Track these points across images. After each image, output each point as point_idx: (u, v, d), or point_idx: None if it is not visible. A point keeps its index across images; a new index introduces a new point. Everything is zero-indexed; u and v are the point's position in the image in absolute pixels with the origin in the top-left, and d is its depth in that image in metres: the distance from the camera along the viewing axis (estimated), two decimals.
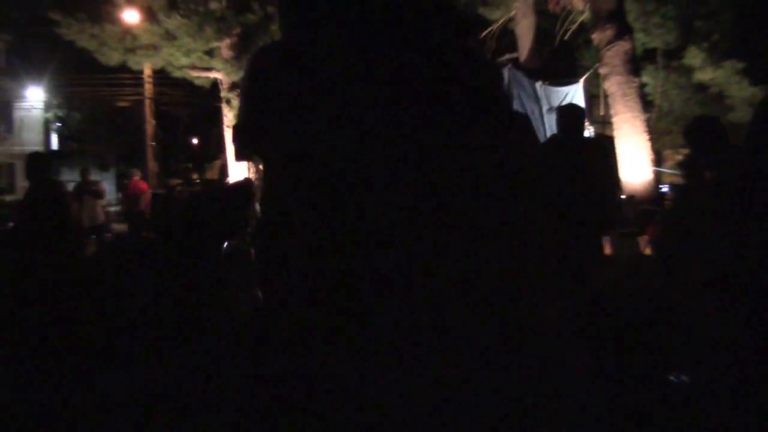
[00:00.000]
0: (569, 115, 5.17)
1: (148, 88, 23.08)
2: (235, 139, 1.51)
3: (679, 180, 10.47)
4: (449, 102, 1.23)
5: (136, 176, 16.11)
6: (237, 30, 16.01)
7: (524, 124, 5.34)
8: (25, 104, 27.98)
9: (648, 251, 8.39)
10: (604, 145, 8.17)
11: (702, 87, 17.09)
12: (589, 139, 6.61)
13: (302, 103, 1.27)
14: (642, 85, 12.45)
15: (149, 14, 15.96)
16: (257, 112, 1.38)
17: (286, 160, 1.32)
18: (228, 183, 15.02)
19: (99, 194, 13.32)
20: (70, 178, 17.53)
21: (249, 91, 1.40)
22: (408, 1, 1.27)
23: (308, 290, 1.27)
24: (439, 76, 1.25)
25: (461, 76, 1.28)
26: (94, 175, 23.13)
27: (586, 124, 12.84)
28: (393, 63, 1.22)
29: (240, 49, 16.04)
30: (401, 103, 1.21)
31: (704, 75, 16.16)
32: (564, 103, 10.85)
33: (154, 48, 16.41)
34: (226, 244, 5.32)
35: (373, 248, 1.18)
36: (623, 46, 11.72)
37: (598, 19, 11.95)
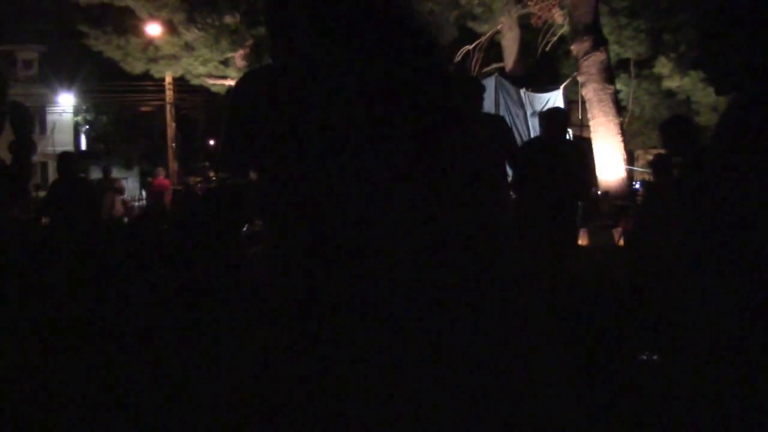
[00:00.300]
0: (552, 118, 5.18)
1: (169, 94, 23.02)
2: (219, 160, 1.46)
3: (649, 177, 10.47)
4: (424, 112, 1.21)
5: (161, 174, 16.24)
6: (249, 42, 15.98)
7: (501, 125, 5.33)
8: (57, 109, 27.93)
9: (621, 242, 8.39)
10: (582, 146, 8.17)
11: (670, 93, 17.08)
12: (568, 140, 6.61)
13: (284, 124, 1.23)
14: (616, 92, 12.44)
15: (170, 27, 15.92)
16: (241, 133, 1.32)
17: (268, 178, 1.28)
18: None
19: (119, 191, 13.45)
20: (97, 176, 17.49)
21: (234, 114, 1.34)
22: (388, 29, 1.24)
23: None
24: (416, 92, 1.22)
25: (436, 91, 1.25)
26: (120, 173, 23.14)
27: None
28: (373, 84, 1.19)
29: (252, 59, 16.01)
30: (381, 119, 1.18)
31: (672, 82, 16.15)
32: (546, 107, 10.83)
33: (175, 58, 16.39)
34: (246, 227, 5.37)
35: (354, 252, 1.16)
36: (599, 56, 11.71)
37: (576, 32, 11.94)
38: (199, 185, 17.01)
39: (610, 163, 11.64)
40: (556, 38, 15.08)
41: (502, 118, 7.22)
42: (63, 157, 6.44)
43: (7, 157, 2.98)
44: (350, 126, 1.18)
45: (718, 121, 1.55)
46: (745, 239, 1.43)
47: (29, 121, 3.04)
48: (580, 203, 6.41)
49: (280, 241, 1.29)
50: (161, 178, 15.93)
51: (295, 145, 1.21)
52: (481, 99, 4.68)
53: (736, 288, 1.46)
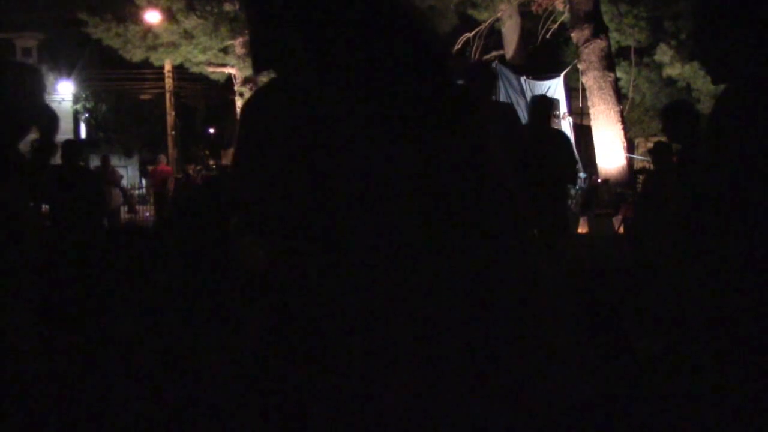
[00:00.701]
0: (537, 106, 5.33)
1: (169, 82, 22.98)
2: (230, 190, 1.38)
3: (649, 165, 10.49)
4: (433, 108, 1.20)
5: (162, 161, 16.69)
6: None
7: (510, 111, 5.33)
8: (56, 97, 27.83)
9: (621, 230, 8.42)
10: (566, 136, 8.21)
11: (670, 81, 17.09)
12: (552, 128, 6.65)
13: (297, 144, 1.19)
14: (616, 80, 12.45)
15: (169, 15, 15.87)
16: (252, 158, 1.27)
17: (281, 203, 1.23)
18: None
19: (117, 183, 13.63)
20: (96, 165, 17.57)
21: (243, 139, 1.28)
22: (392, 36, 1.22)
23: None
24: (423, 94, 1.20)
25: (443, 92, 1.23)
26: (120, 162, 23.15)
27: (564, 114, 12.86)
28: (377, 85, 1.19)
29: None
30: (388, 120, 1.17)
31: (672, 70, 16.15)
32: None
33: (174, 46, 16.34)
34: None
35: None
36: (599, 44, 11.72)
37: (577, 20, 11.93)
38: (203, 173, 17.20)
39: (611, 150, 11.67)
40: (556, 25, 15.06)
41: (511, 105, 7.29)
42: (67, 145, 6.50)
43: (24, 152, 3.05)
44: (359, 131, 1.17)
45: (712, 108, 1.59)
46: (738, 225, 1.47)
47: (57, 127, 3.12)
48: (574, 190, 6.45)
49: (283, 252, 1.26)
50: (163, 165, 16.25)
51: (304, 158, 1.18)
52: (493, 87, 4.84)
53: (729, 274, 1.50)
